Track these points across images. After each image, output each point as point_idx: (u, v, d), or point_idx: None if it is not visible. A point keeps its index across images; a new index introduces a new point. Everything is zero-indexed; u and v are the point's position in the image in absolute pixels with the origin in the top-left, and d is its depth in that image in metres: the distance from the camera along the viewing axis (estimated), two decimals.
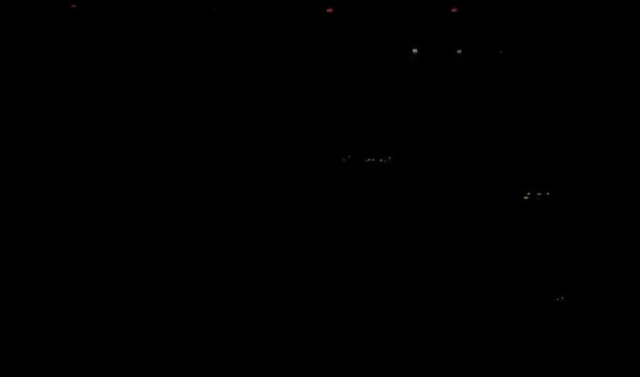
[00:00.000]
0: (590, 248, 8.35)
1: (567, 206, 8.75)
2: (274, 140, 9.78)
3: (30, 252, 8.01)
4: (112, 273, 8.24)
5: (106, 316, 7.89)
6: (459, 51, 9.93)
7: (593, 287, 8.20)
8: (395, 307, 8.29)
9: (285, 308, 8.26)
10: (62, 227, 8.31)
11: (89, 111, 8.38)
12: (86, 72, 8.33)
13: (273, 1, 8.69)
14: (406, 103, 10.16)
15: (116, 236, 8.49)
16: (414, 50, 10.02)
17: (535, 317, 8.04)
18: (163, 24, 8.60)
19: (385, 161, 9.47)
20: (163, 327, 7.85)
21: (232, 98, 9.86)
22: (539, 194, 9.77)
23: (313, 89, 10.07)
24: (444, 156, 9.46)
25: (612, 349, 7.77)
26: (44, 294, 7.85)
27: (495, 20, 9.05)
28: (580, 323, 8.01)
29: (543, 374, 7.69)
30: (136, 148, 9.06)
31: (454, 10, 8.95)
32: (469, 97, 10.05)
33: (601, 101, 8.89)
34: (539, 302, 8.16)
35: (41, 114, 7.88)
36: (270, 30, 9.06)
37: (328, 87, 10.10)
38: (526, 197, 9.91)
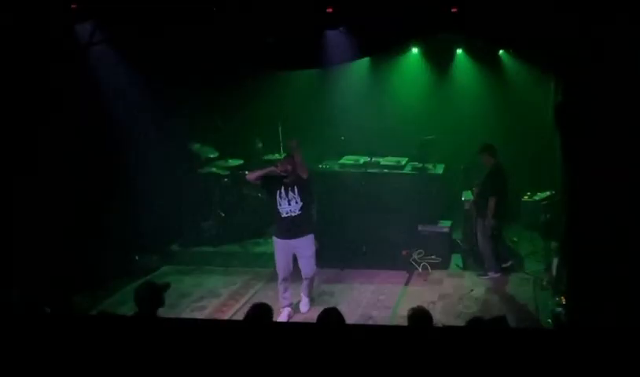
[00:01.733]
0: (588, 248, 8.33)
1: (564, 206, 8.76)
2: (272, 140, 9.83)
3: None
4: None
5: None
6: (459, 51, 9.96)
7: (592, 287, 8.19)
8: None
9: None
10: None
11: (89, 111, 8.40)
12: (85, 72, 8.35)
13: (273, 0, 8.67)
14: (405, 102, 10.20)
15: None
16: (414, 50, 10.06)
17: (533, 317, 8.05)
18: (163, 24, 8.60)
19: (384, 161, 9.51)
20: None
21: (232, 97, 9.91)
22: (539, 193, 9.82)
23: (312, 88, 10.12)
24: (441, 155, 9.51)
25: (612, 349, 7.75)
26: None
27: (495, 19, 9.04)
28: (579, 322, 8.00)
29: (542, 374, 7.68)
30: (135, 147, 9.11)
31: (454, 10, 8.94)
32: (468, 96, 10.09)
33: (601, 101, 8.88)
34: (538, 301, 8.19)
35: (41, 113, 7.88)
36: (270, 29, 9.07)
37: (327, 86, 10.16)
38: (526, 197, 9.95)
